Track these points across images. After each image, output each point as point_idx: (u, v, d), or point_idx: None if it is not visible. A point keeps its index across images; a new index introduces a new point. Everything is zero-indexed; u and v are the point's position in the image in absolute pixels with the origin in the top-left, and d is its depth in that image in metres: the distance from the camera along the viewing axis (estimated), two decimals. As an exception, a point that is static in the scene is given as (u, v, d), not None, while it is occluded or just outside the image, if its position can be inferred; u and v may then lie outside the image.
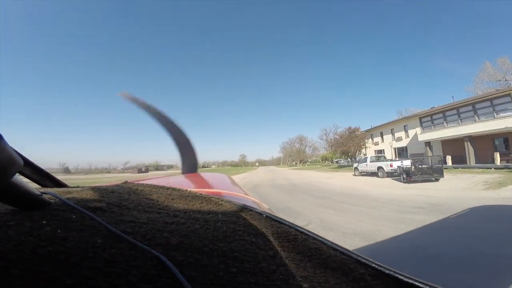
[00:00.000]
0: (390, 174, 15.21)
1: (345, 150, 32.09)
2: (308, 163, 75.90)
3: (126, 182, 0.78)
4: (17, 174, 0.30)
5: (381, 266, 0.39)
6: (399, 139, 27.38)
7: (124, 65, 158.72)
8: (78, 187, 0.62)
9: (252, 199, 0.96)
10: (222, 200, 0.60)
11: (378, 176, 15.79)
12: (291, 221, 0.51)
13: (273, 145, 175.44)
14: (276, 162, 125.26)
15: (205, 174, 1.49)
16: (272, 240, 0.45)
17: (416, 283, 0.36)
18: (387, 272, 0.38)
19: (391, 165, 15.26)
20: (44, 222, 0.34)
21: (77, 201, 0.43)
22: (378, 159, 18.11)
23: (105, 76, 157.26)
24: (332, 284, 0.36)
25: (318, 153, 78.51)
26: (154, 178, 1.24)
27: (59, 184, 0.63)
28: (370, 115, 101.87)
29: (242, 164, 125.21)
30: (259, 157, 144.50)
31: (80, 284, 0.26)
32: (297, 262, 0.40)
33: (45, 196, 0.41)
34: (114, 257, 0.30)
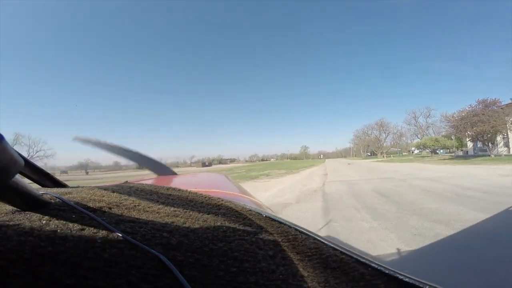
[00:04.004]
0: None
1: (482, 132, 20.80)
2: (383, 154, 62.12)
3: (126, 182, 0.79)
4: (17, 174, 0.30)
5: (381, 266, 0.39)
6: None
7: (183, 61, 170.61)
8: (78, 187, 0.61)
9: (251, 199, 0.99)
10: (222, 200, 0.61)
11: None
12: None
13: (335, 136, 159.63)
14: (342, 154, 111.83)
15: (205, 174, 1.71)
16: (272, 240, 0.45)
17: (416, 283, 0.36)
18: (387, 272, 0.38)
19: None
20: (44, 222, 0.34)
21: (77, 201, 0.43)
22: None
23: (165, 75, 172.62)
24: (332, 284, 0.36)
25: (404, 141, 64.09)
26: (154, 178, 1.38)
27: (59, 184, 0.62)
28: (461, 96, 77.84)
29: (303, 157, 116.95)
30: (320, 149, 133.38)
31: (80, 284, 0.26)
32: (297, 262, 0.40)
33: (45, 196, 0.40)
34: (114, 257, 0.30)
